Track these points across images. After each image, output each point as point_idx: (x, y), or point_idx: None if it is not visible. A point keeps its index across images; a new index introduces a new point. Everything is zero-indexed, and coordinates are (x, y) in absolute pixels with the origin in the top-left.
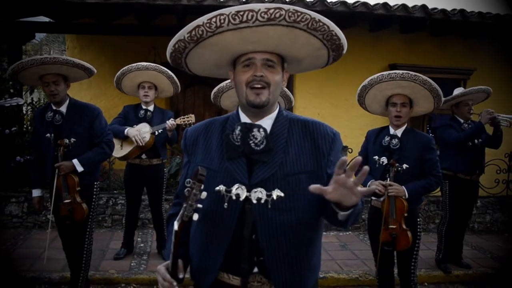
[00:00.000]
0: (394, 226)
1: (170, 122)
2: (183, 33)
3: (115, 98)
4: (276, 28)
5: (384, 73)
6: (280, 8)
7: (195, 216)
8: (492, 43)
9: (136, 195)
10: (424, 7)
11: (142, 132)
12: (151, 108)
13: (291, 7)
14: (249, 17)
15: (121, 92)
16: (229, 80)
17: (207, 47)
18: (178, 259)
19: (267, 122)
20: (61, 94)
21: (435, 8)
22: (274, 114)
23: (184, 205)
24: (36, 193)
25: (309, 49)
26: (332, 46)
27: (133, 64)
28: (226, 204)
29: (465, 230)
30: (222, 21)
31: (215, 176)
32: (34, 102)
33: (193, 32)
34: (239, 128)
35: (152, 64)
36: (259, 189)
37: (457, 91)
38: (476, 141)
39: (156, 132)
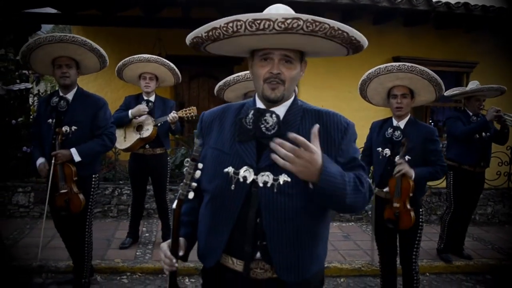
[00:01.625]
0: (398, 205)
1: (172, 115)
2: (200, 31)
3: (120, 90)
4: (293, 36)
5: (381, 66)
6: (298, 19)
7: (191, 195)
8: (495, 36)
9: (140, 184)
10: (428, 0)
11: (143, 112)
12: (152, 98)
13: (310, 17)
14: (266, 25)
15: (122, 81)
16: (235, 75)
17: (225, 44)
18: (179, 238)
19: (280, 110)
20: (72, 78)
21: (439, 1)
22: (288, 102)
23: (181, 184)
24: (40, 160)
25: (328, 48)
26: (352, 47)
27: (134, 56)
28: (233, 185)
29: (469, 222)
30: (239, 27)
31: (225, 158)
32: (40, 93)
33: (210, 33)
34: (252, 112)
35: (154, 56)
36: (266, 172)
37: (472, 85)
38: (483, 134)
39: (159, 123)
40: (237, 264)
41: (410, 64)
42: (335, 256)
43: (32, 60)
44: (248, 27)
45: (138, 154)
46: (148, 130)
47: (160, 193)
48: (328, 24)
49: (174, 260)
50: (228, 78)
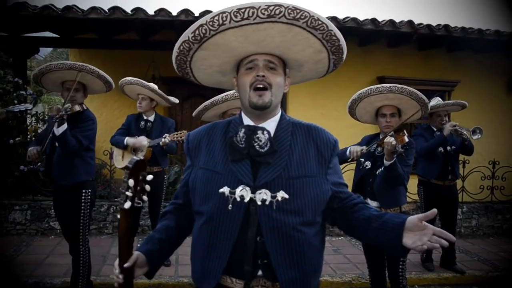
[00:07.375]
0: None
1: (163, 140)
2: (187, 33)
3: (115, 110)
4: (276, 26)
5: (373, 87)
6: (279, 5)
7: (127, 205)
8: (475, 56)
9: None
10: (410, 22)
11: (140, 140)
12: (151, 118)
13: (291, 4)
14: (250, 13)
15: (117, 103)
16: (224, 94)
17: (211, 49)
18: (136, 252)
19: (270, 125)
20: (78, 101)
21: (421, 24)
22: (277, 117)
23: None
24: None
25: (309, 51)
26: (332, 48)
27: (131, 79)
28: (230, 205)
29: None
30: (224, 18)
31: (219, 178)
32: (38, 114)
33: (197, 32)
34: (243, 130)
35: (140, 80)
36: (263, 190)
37: (433, 101)
38: (448, 148)
39: (152, 146)
40: (236, 283)
41: (400, 86)
42: (325, 269)
43: (43, 81)
44: (233, 17)
45: None
46: (142, 152)
47: (155, 210)
48: (308, 13)
49: (117, 271)
50: (216, 98)
